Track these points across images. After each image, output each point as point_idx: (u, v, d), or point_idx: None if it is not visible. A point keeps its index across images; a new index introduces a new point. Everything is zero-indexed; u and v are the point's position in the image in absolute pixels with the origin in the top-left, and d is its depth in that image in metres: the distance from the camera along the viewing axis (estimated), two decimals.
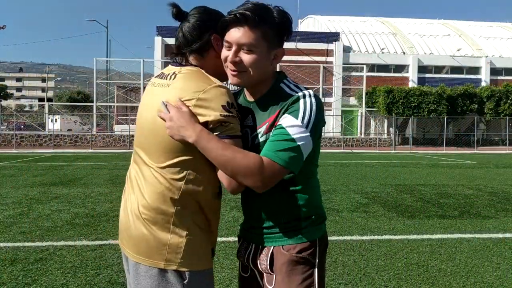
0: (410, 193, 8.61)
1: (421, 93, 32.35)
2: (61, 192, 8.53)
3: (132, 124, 29.15)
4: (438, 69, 39.61)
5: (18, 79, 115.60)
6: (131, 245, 1.48)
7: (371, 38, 40.66)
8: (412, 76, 38.69)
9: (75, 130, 36.21)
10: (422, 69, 39.07)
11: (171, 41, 35.96)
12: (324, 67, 36.12)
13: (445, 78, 38.35)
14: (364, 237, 5.08)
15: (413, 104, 32.18)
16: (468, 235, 5.26)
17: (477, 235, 5.25)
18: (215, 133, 1.36)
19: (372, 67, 38.02)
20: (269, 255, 1.48)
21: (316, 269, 1.47)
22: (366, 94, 34.36)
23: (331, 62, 37.04)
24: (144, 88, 33.29)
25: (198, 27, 1.48)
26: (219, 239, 4.95)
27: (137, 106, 29.78)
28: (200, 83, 1.40)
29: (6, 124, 35.21)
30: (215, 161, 1.35)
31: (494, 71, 39.65)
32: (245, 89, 1.54)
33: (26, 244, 4.74)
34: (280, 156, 1.33)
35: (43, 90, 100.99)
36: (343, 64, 36.81)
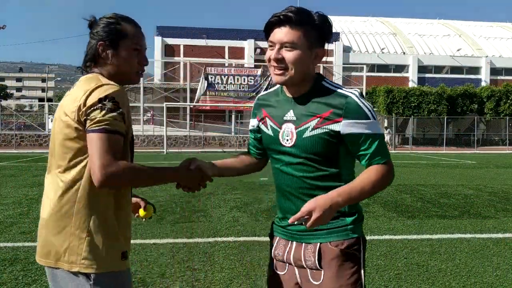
0: (410, 193, 8.61)
1: (421, 93, 32.36)
2: None
3: (132, 124, 29.11)
4: (438, 69, 39.63)
5: (18, 79, 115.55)
6: (40, 252, 1.55)
7: (371, 38, 40.68)
8: (412, 76, 38.71)
9: None
10: (422, 69, 39.08)
11: (171, 41, 35.99)
12: (324, 67, 36.13)
13: (445, 78, 38.37)
14: (365, 236, 5.07)
15: (413, 104, 32.19)
16: (468, 235, 5.26)
17: (477, 235, 5.25)
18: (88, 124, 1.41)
19: (372, 67, 38.05)
20: (317, 251, 1.52)
21: (362, 264, 1.54)
22: (366, 94, 34.36)
23: (331, 62, 37.05)
24: (144, 88, 33.43)
25: (90, 38, 1.58)
26: (218, 239, 4.96)
27: (137, 106, 29.55)
28: (92, 84, 1.48)
29: (5, 124, 35.19)
30: (362, 198, 1.49)
31: (494, 71, 39.66)
32: (284, 87, 1.59)
33: (26, 244, 4.73)
34: (385, 153, 1.52)
35: (43, 90, 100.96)
36: (343, 64, 36.84)
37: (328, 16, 1.52)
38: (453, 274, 3.85)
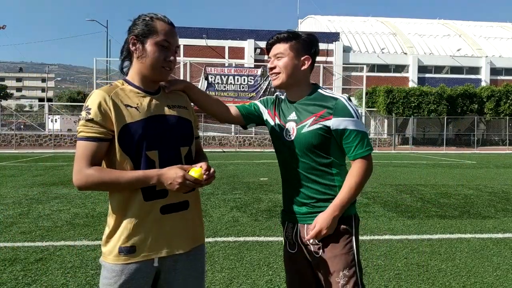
0: (410, 193, 8.61)
1: (421, 93, 32.35)
2: (61, 192, 8.53)
3: None
4: (438, 69, 39.61)
5: (18, 79, 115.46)
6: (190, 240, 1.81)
7: (371, 38, 40.66)
8: (412, 76, 38.69)
9: (75, 130, 36.17)
10: (422, 69, 39.07)
11: None
12: (324, 67, 36.12)
13: (445, 78, 38.36)
14: (364, 237, 5.07)
15: (413, 104, 32.18)
16: (468, 235, 5.26)
17: (477, 235, 5.25)
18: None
19: (372, 67, 38.03)
20: None
21: (353, 237, 1.89)
22: (366, 94, 34.36)
23: (331, 62, 37.04)
24: None
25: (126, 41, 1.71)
26: (218, 239, 4.96)
27: None
28: None
29: (5, 123, 35.19)
30: (354, 199, 1.86)
31: (494, 71, 39.65)
32: (286, 94, 2.00)
33: (26, 244, 4.74)
34: (366, 148, 1.84)
35: (43, 90, 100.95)
36: (343, 64, 36.82)
37: (314, 34, 1.98)
38: (453, 274, 3.85)
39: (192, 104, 1.88)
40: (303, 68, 1.90)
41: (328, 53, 37.30)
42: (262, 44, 36.36)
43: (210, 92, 32.90)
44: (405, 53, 39.39)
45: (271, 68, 1.93)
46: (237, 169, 13.61)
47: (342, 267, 1.83)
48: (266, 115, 2.05)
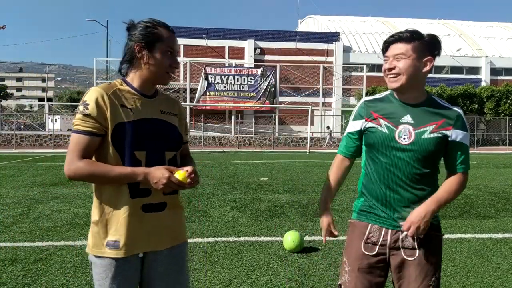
0: None
1: None
2: (61, 192, 8.53)
3: None
4: (438, 69, 39.60)
5: (18, 79, 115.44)
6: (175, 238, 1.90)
7: (371, 38, 40.65)
8: None
9: None
10: None
11: None
12: (324, 67, 36.13)
13: (445, 78, 38.34)
14: None
15: None
16: (468, 235, 5.26)
17: (477, 235, 5.25)
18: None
19: (372, 67, 38.01)
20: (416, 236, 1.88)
21: (442, 241, 1.97)
22: (366, 94, 34.35)
23: (331, 62, 37.04)
24: None
25: (128, 40, 1.76)
26: (218, 239, 4.96)
27: None
28: None
29: (5, 123, 35.20)
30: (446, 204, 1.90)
31: (494, 71, 39.65)
32: (396, 95, 1.90)
33: (26, 244, 4.74)
34: (469, 164, 1.91)
35: (43, 90, 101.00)
36: (343, 64, 36.81)
37: (436, 35, 1.86)
38: (453, 274, 3.85)
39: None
40: (424, 70, 1.83)
41: (328, 53, 37.29)
42: (262, 44, 36.37)
43: (210, 92, 32.93)
44: None
45: (390, 69, 1.84)
46: (237, 169, 13.61)
47: (435, 270, 1.86)
48: (367, 124, 1.93)
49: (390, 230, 1.89)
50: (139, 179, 1.64)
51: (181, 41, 35.92)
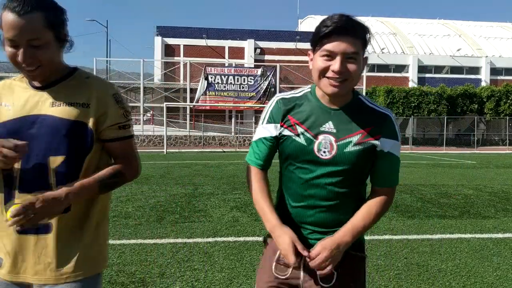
0: (410, 193, 8.61)
1: (421, 93, 32.36)
2: None
3: (133, 124, 29.13)
4: (438, 69, 39.61)
5: None
6: None
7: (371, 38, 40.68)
8: (412, 76, 38.69)
9: None
10: (422, 69, 39.07)
11: (171, 41, 35.97)
12: None
13: (445, 78, 38.36)
14: (364, 237, 5.07)
15: (413, 104, 32.19)
16: (468, 235, 5.26)
17: (477, 235, 5.25)
18: None
19: (372, 67, 38.03)
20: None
21: (366, 263, 1.72)
22: (366, 94, 34.35)
23: None
24: (144, 88, 33.44)
25: None
26: (218, 239, 4.96)
27: (137, 106, 29.58)
28: None
29: None
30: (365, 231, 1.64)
31: (494, 71, 39.66)
32: (319, 95, 1.55)
33: None
34: (397, 177, 1.60)
35: None
36: None
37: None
38: (453, 274, 3.85)
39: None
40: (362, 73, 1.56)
41: None
42: (262, 44, 36.38)
43: (210, 92, 32.92)
44: (405, 53, 39.39)
45: (341, 72, 1.42)
46: (237, 169, 13.60)
47: None
48: (283, 131, 1.55)
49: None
50: None
51: (181, 41, 35.97)
